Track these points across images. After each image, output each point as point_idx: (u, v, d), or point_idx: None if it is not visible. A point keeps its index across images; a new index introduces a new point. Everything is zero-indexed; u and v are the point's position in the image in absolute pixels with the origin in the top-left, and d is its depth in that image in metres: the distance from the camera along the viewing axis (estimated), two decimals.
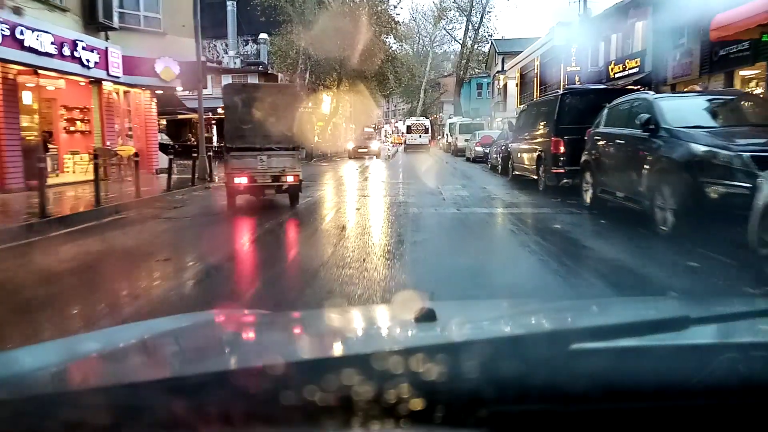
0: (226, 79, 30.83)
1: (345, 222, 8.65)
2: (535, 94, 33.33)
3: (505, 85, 43.69)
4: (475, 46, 51.25)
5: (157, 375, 0.91)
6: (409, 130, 41.35)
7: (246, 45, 39.26)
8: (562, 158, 10.80)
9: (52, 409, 0.70)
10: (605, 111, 8.92)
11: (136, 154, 14.15)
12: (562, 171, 10.79)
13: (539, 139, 12.05)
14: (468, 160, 27.00)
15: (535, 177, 12.24)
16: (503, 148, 17.45)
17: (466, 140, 29.53)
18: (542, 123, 12.03)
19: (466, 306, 1.91)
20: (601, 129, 8.86)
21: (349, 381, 0.68)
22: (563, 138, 10.78)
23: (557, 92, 12.14)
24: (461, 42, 50.81)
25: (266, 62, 35.87)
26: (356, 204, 10.96)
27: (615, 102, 8.79)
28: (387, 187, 14.29)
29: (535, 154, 12.24)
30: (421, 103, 60.93)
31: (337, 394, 0.67)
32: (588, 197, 9.13)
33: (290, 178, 9.68)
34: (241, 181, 9.56)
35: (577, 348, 0.81)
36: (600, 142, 8.86)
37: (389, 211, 9.70)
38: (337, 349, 1.09)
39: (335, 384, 0.68)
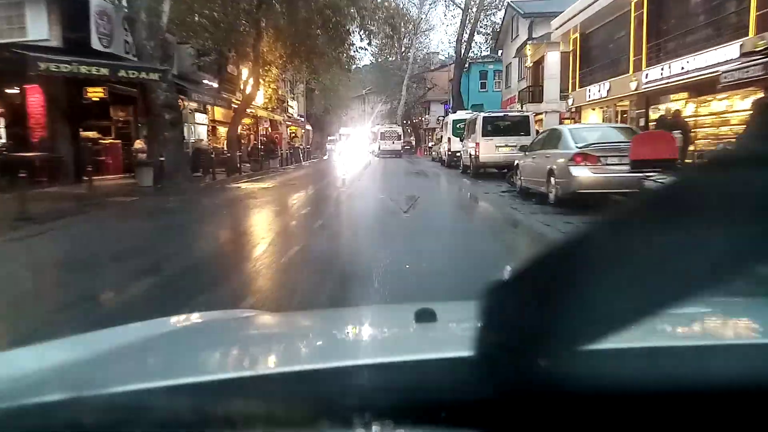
0: None
1: None
2: (632, 57, 17.35)
3: (538, 62, 27.80)
4: (481, 15, 35.77)
5: (158, 377, 0.85)
6: (382, 136, 41.36)
7: None
8: None
9: (52, 410, 0.69)
10: None
11: None
12: None
13: None
14: (520, 192, 11.35)
15: None
16: None
17: (509, 148, 14.17)
18: None
19: (466, 306, 1.62)
20: None
21: (349, 381, 0.70)
22: None
23: None
24: (462, 6, 35.18)
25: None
26: None
27: None
28: None
29: None
30: (403, 102, 48.94)
31: (337, 395, 0.68)
32: None
33: None
34: None
35: (577, 348, 0.85)
36: None
37: None
38: (337, 350, 1.07)
39: (335, 384, 0.69)
